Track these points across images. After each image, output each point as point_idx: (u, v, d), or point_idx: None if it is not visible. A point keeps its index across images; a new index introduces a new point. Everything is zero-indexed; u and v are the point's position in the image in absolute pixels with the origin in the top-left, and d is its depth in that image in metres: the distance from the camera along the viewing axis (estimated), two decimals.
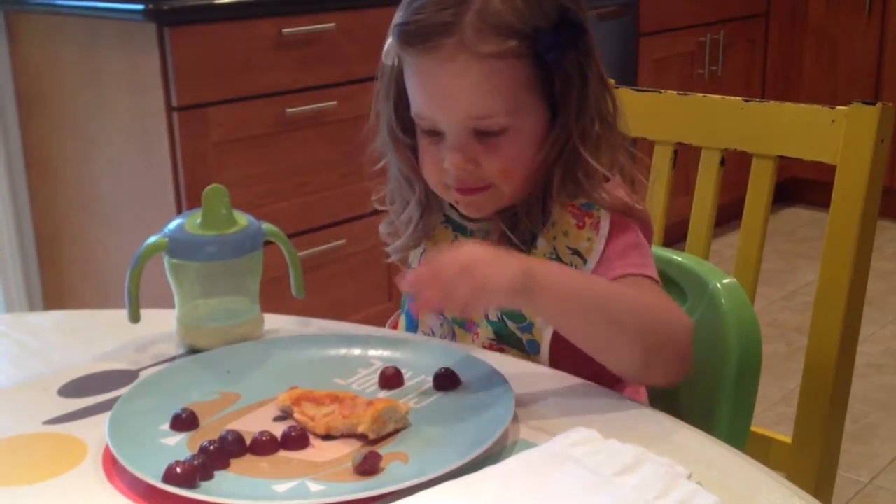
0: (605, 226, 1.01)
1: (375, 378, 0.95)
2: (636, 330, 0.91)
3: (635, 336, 0.91)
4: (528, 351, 1.04)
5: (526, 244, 1.03)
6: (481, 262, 0.87)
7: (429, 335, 1.10)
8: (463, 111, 0.98)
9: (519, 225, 1.03)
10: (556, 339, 1.02)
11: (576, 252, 1.01)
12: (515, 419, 0.86)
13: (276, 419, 0.88)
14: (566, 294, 0.90)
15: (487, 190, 1.01)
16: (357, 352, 1.00)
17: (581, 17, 0.99)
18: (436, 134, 1.01)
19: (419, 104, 1.01)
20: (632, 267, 0.99)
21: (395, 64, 1.04)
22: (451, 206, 1.08)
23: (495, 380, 0.91)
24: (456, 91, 0.98)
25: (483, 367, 0.93)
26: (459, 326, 1.08)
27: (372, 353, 0.99)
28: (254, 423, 0.87)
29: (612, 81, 1.06)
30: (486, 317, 1.05)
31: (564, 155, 1.00)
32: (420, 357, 0.97)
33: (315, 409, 0.87)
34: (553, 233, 1.02)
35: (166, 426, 0.86)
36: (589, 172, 1.00)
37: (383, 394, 0.92)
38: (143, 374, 0.99)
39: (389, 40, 1.02)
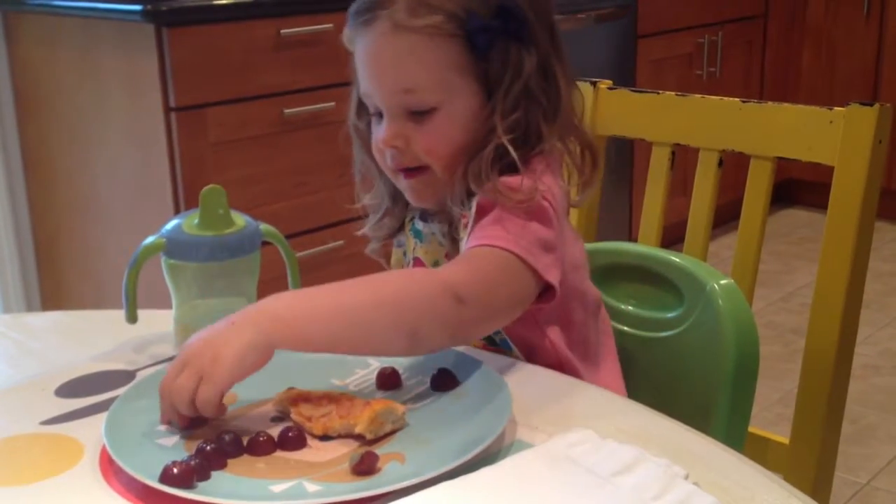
0: (471, 220, 1.00)
1: (373, 378, 0.95)
2: (390, 318, 0.89)
3: (391, 324, 0.89)
4: (506, 348, 1.04)
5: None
6: (196, 353, 0.82)
7: None
8: (390, 83, 1.01)
9: (453, 227, 1.05)
10: (513, 331, 1.03)
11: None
12: (513, 419, 0.86)
13: (274, 420, 0.88)
14: (306, 320, 0.87)
15: (422, 173, 1.03)
16: None
17: (528, 10, 1.00)
18: (380, 115, 1.04)
19: (362, 81, 1.04)
20: (478, 239, 0.97)
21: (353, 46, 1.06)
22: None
23: (492, 380, 0.90)
24: (384, 62, 1.01)
25: (480, 368, 0.93)
26: None
27: None
28: (251, 424, 0.87)
29: (607, 83, 1.06)
30: None
31: (491, 142, 1.00)
32: (417, 357, 0.97)
33: (312, 410, 0.87)
34: (461, 236, 1.03)
35: (163, 426, 0.86)
36: (495, 158, 1.00)
37: (380, 394, 0.92)
38: (140, 375, 0.99)
39: (346, 24, 1.05)
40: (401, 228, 1.13)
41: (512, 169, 1.00)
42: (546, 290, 0.99)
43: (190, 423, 0.85)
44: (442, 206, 1.06)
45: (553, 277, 0.98)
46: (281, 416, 0.89)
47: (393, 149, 1.03)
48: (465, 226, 1.02)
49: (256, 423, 0.87)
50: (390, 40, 1.00)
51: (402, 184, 1.06)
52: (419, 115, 1.01)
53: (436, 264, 1.08)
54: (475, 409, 0.87)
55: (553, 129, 1.03)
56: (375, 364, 0.97)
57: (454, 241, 1.05)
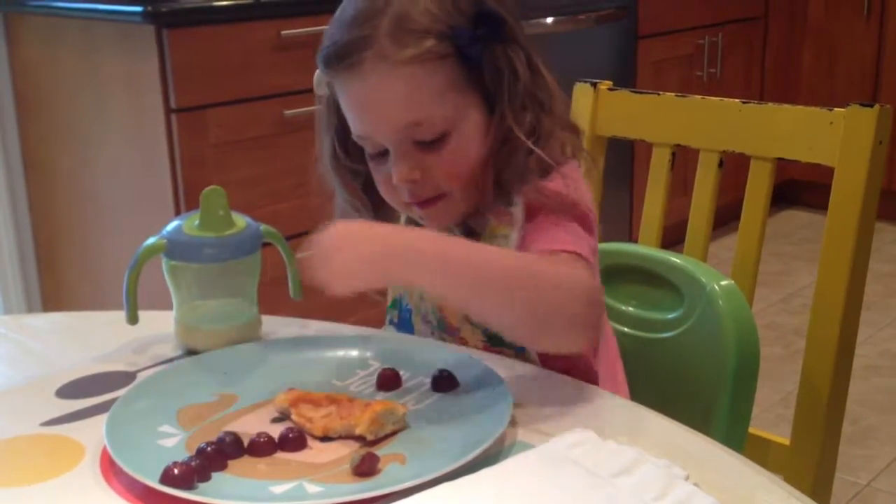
0: (518, 215, 1.00)
1: (373, 380, 0.95)
2: (523, 296, 0.88)
3: (523, 303, 0.89)
4: (517, 349, 1.04)
5: None
6: (338, 246, 0.86)
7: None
8: (394, 122, 0.98)
9: (469, 231, 1.05)
10: None
11: None
12: (513, 421, 0.86)
13: (274, 421, 0.88)
14: (439, 265, 0.87)
15: (442, 199, 1.01)
16: (355, 353, 1.00)
17: (499, 7, 1.00)
18: (382, 154, 1.01)
19: (356, 125, 1.01)
20: (546, 243, 0.96)
21: (330, 92, 1.04)
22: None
23: (493, 381, 0.91)
24: (383, 103, 0.98)
25: (481, 369, 0.93)
26: (442, 331, 1.08)
27: (370, 354, 0.99)
28: (251, 425, 0.87)
29: (608, 83, 1.06)
30: (469, 320, 1.05)
31: (507, 146, 1.00)
32: (418, 358, 0.97)
33: (313, 411, 0.87)
34: (486, 237, 1.02)
35: (164, 427, 0.86)
36: (529, 162, 1.00)
37: (381, 395, 0.92)
38: (140, 376, 0.99)
39: (317, 70, 1.03)
40: None
41: (543, 174, 1.01)
42: None
43: None
44: (458, 222, 1.05)
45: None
46: (281, 417, 0.89)
47: (410, 184, 1.00)
48: (499, 224, 1.01)
49: (257, 424, 0.87)
50: (385, 79, 0.96)
51: (417, 213, 1.04)
52: (430, 143, 0.99)
53: None
54: (475, 410, 0.87)
55: (554, 119, 1.02)
56: (376, 365, 0.97)
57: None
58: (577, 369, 1.03)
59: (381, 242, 0.87)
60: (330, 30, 1.01)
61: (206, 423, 0.87)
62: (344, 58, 0.98)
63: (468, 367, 0.94)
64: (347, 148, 1.06)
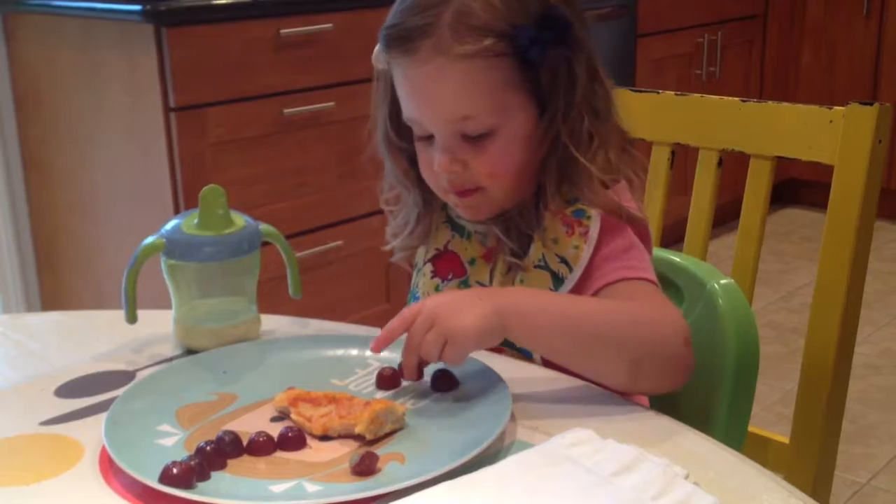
0: (594, 233, 0.99)
1: (373, 378, 0.95)
2: (618, 345, 0.90)
3: (618, 351, 0.90)
4: (517, 349, 1.04)
5: (522, 248, 1.02)
6: (444, 314, 0.88)
7: None
8: (444, 113, 0.98)
9: (514, 230, 1.03)
10: None
11: (563, 260, 1.00)
12: (512, 420, 0.86)
13: (273, 420, 0.88)
14: (540, 321, 0.90)
15: (479, 192, 1.01)
16: (354, 352, 1.00)
17: (568, 11, 0.98)
18: (428, 138, 1.01)
19: (407, 108, 1.01)
20: (626, 270, 0.98)
21: (388, 68, 1.04)
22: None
23: (492, 380, 0.90)
24: (436, 93, 0.98)
25: (480, 368, 0.93)
26: None
27: (369, 353, 0.99)
28: (251, 424, 0.87)
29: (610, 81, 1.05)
30: None
31: (556, 154, 1.00)
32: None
33: (312, 410, 0.87)
34: (544, 239, 1.01)
35: (164, 426, 0.86)
36: (581, 171, 0.99)
37: (380, 394, 0.92)
38: (140, 375, 0.99)
39: (378, 45, 1.02)
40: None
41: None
42: None
43: (420, 375, 0.91)
44: (498, 215, 1.04)
45: None
46: (281, 417, 0.89)
47: (450, 173, 1.00)
48: (584, 235, 0.99)
49: (256, 424, 0.87)
50: (440, 70, 0.96)
51: (454, 200, 1.03)
52: (475, 138, 0.99)
53: (472, 262, 1.06)
54: (475, 410, 0.87)
55: (608, 129, 1.01)
56: (375, 364, 0.97)
57: (496, 243, 1.03)
58: None
59: (490, 301, 0.89)
60: (395, 9, 1.00)
61: (205, 422, 0.87)
62: (403, 42, 0.97)
63: (467, 367, 0.93)
64: (399, 126, 1.06)
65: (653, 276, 0.99)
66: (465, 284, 1.06)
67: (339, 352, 1.00)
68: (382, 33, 1.00)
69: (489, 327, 0.88)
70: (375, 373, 0.95)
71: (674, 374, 0.93)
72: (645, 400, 1.11)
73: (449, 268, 1.07)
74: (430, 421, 0.87)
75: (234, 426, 0.86)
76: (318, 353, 0.99)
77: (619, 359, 0.91)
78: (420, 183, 1.07)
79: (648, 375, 0.92)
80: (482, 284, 1.04)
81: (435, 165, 1.00)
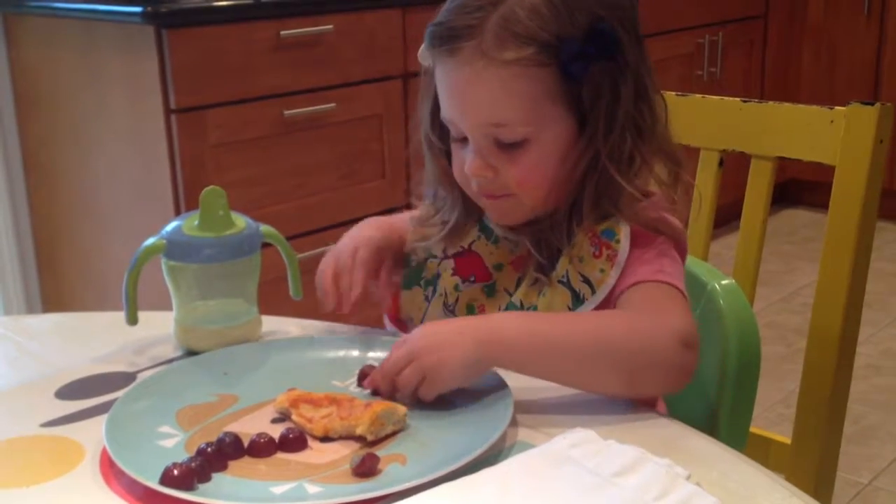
0: (622, 258, 0.97)
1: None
2: (610, 360, 0.90)
3: (611, 366, 0.90)
4: None
5: (551, 261, 1.01)
6: (425, 351, 0.88)
7: None
8: (479, 117, 0.97)
9: (544, 242, 1.02)
10: None
11: (586, 280, 0.98)
12: (514, 420, 0.86)
13: (274, 421, 0.88)
14: (526, 347, 0.90)
15: (509, 198, 1.00)
16: (355, 353, 1.00)
17: (618, 26, 0.96)
18: (464, 139, 1.00)
19: (445, 107, 1.00)
20: (652, 273, 0.96)
21: (432, 65, 1.02)
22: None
23: (494, 381, 0.90)
24: (473, 96, 0.97)
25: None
26: None
27: (370, 354, 0.99)
28: (251, 425, 0.87)
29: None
30: None
31: (595, 172, 0.98)
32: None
33: (313, 411, 0.87)
34: (571, 255, 0.99)
35: (164, 428, 0.86)
36: (620, 192, 0.97)
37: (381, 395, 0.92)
38: (140, 377, 0.99)
39: (425, 42, 1.01)
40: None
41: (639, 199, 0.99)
42: None
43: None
44: (527, 226, 1.03)
45: None
46: (282, 418, 0.88)
47: (480, 178, 0.99)
48: (611, 258, 0.97)
49: (257, 425, 0.87)
50: (479, 74, 0.95)
51: (486, 205, 1.03)
52: (509, 146, 0.97)
53: (498, 267, 1.05)
54: (476, 411, 0.87)
55: (651, 149, 0.99)
56: (377, 365, 0.97)
57: (532, 250, 1.02)
58: None
59: (473, 335, 0.89)
60: (445, 6, 0.99)
61: (205, 423, 0.87)
62: (446, 41, 0.96)
63: None
64: (439, 125, 1.04)
65: (680, 284, 0.96)
66: (490, 289, 1.04)
67: (340, 353, 1.00)
68: (428, 30, 0.99)
69: (470, 363, 0.88)
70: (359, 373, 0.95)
71: (672, 378, 0.92)
72: (661, 405, 1.10)
73: (471, 269, 1.06)
74: (431, 422, 0.87)
75: (234, 427, 0.86)
76: (318, 354, 0.99)
77: (613, 372, 0.90)
78: (458, 185, 1.06)
79: (645, 384, 0.92)
80: (509, 292, 1.03)
81: (466, 168, 0.99)
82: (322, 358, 0.99)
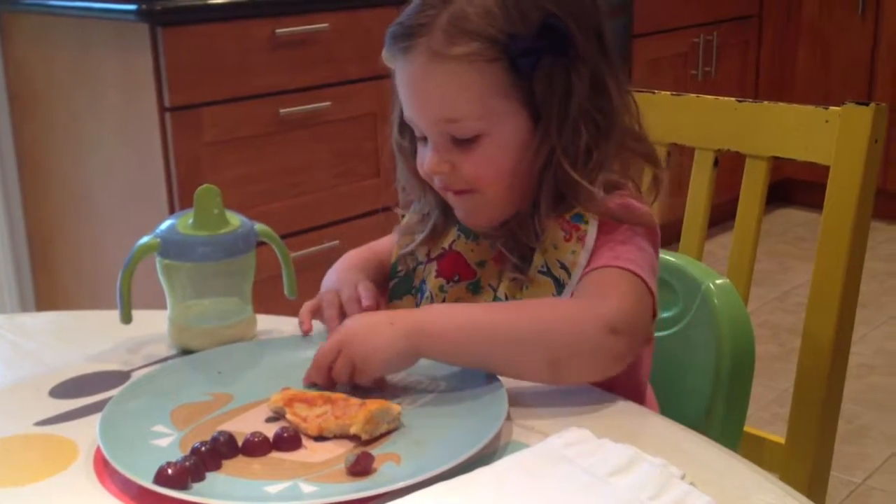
0: (590, 239, 0.98)
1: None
2: (533, 347, 0.91)
3: (534, 352, 0.91)
4: None
5: (524, 259, 1.02)
6: (354, 340, 0.91)
7: None
8: (432, 113, 0.99)
9: (515, 241, 1.03)
10: None
11: (563, 266, 0.99)
12: (508, 420, 0.86)
13: (269, 420, 0.88)
14: (452, 337, 0.92)
15: (472, 194, 1.01)
16: None
17: (571, 22, 0.97)
18: (425, 137, 1.02)
19: (404, 107, 1.02)
20: (610, 259, 0.96)
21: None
22: None
23: (488, 380, 0.90)
24: (424, 92, 0.99)
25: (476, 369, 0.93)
26: None
27: None
28: (246, 425, 0.87)
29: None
30: None
31: (552, 168, 0.99)
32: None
33: (308, 410, 0.87)
34: (545, 246, 1.01)
35: (158, 427, 0.86)
36: (576, 186, 0.98)
37: (376, 394, 0.92)
38: (134, 375, 0.99)
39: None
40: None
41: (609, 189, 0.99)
42: None
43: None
44: (498, 228, 1.04)
45: (657, 304, 0.98)
46: (276, 417, 0.88)
47: (437, 175, 1.01)
48: (581, 239, 0.98)
49: (251, 424, 0.87)
50: (429, 70, 0.97)
51: (452, 202, 1.04)
52: (464, 142, 0.99)
53: (481, 264, 1.05)
54: (471, 410, 0.87)
55: (609, 145, 1.00)
56: None
57: (505, 253, 1.03)
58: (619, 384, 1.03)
59: (402, 325, 0.91)
60: (405, 8, 1.01)
61: (200, 422, 0.87)
62: (400, 39, 0.99)
63: (472, 371, 0.93)
64: (407, 127, 1.06)
65: (641, 271, 0.96)
66: (475, 286, 1.05)
67: None
68: (387, 31, 1.01)
69: (397, 352, 0.90)
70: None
71: (599, 365, 0.92)
72: (654, 404, 1.11)
73: (454, 269, 1.06)
74: (425, 421, 0.87)
75: (229, 427, 0.86)
76: (313, 353, 0.99)
77: (540, 358, 0.91)
78: (430, 186, 1.06)
79: (570, 369, 0.92)
80: (493, 287, 1.04)
81: (424, 165, 1.01)
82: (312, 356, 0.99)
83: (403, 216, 1.13)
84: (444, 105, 0.98)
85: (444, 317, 0.94)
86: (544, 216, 1.00)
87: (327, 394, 0.89)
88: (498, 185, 1.00)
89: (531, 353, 0.91)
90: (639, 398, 1.04)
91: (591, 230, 0.99)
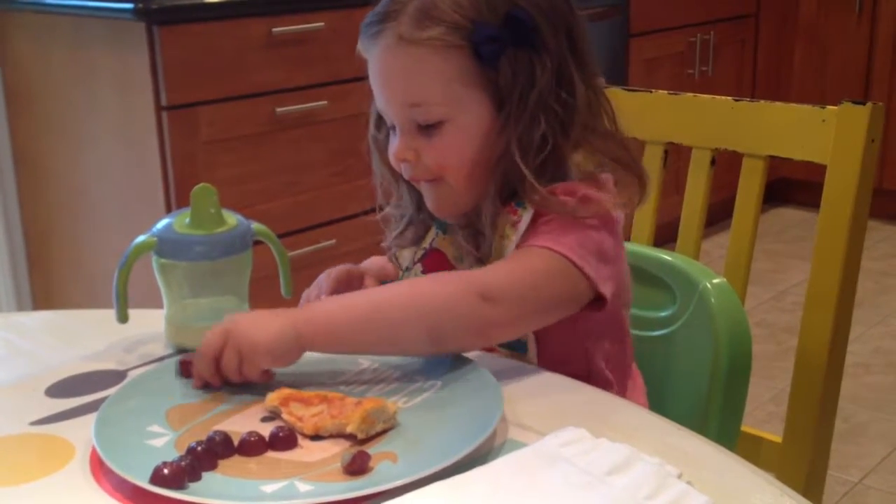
0: (523, 225, 0.99)
1: (363, 379, 0.94)
2: (412, 320, 0.92)
3: (414, 326, 0.92)
4: (518, 351, 1.03)
5: (486, 250, 1.02)
6: (241, 329, 0.90)
7: None
8: (397, 97, 1.01)
9: (476, 230, 1.04)
10: (542, 338, 1.02)
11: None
12: (504, 419, 0.86)
13: (264, 420, 0.88)
14: (337, 325, 0.92)
15: (438, 184, 1.03)
16: None
17: (537, 14, 0.98)
18: (394, 127, 1.04)
19: (376, 96, 1.04)
20: (540, 239, 0.97)
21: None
22: None
23: (483, 378, 0.90)
24: (390, 77, 1.01)
25: (471, 366, 0.93)
26: None
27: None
28: (241, 424, 0.87)
29: (602, 81, 1.05)
30: None
31: (505, 157, 1.00)
32: (408, 357, 0.97)
33: (304, 410, 0.87)
34: (498, 234, 1.02)
35: (154, 427, 0.86)
36: (521, 175, 0.99)
37: (371, 393, 0.92)
38: (131, 375, 0.99)
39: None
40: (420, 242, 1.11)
41: (561, 179, 1.00)
42: (595, 300, 0.98)
43: (225, 383, 0.92)
44: (463, 218, 1.05)
45: (607, 289, 0.97)
46: (271, 416, 0.88)
47: (405, 162, 1.02)
48: (515, 224, 1.00)
49: (247, 424, 0.87)
50: (395, 54, 0.99)
51: (424, 189, 1.05)
52: (428, 128, 1.00)
53: (460, 258, 1.07)
54: (465, 408, 0.87)
55: (568, 140, 1.00)
56: (365, 364, 0.97)
57: (477, 247, 1.03)
58: (594, 375, 1.03)
59: (288, 316, 0.91)
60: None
61: (195, 422, 0.87)
62: (371, 26, 1.01)
63: (458, 365, 0.93)
64: (379, 120, 1.08)
65: (570, 252, 0.96)
66: None
67: None
68: (362, 22, 1.03)
69: (282, 341, 0.90)
70: (367, 371, 0.95)
71: (472, 332, 0.93)
72: (643, 399, 1.11)
73: (437, 266, 1.08)
74: (421, 419, 0.87)
75: (224, 426, 0.86)
76: (306, 353, 0.99)
77: (418, 331, 0.92)
78: (406, 181, 1.08)
79: (447, 338, 0.93)
80: None
81: (389, 154, 1.03)
82: (309, 356, 0.98)
83: (382, 207, 1.14)
84: (409, 89, 1.00)
85: (328, 303, 0.97)
86: (491, 205, 1.01)
87: (323, 393, 0.89)
88: (459, 173, 1.01)
89: (411, 326, 0.92)
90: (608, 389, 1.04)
91: (526, 216, 1.00)
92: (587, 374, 1.04)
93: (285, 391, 0.89)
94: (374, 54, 1.02)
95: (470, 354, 0.97)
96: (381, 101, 1.03)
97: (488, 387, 0.89)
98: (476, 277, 0.95)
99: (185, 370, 0.94)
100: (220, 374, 0.91)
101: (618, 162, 1.03)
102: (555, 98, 0.99)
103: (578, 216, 0.98)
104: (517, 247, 0.99)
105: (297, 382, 0.92)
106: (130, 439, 0.83)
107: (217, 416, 0.88)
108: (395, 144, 1.03)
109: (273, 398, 0.88)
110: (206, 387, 0.92)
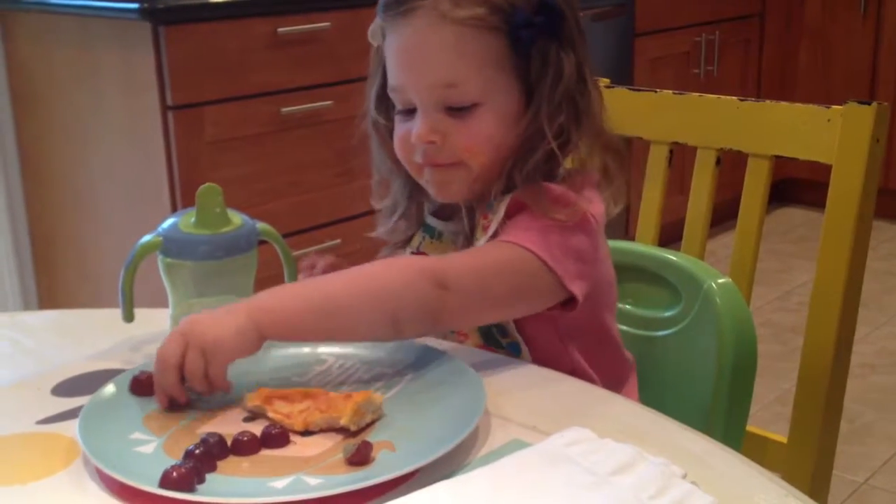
0: (492, 228, 0.99)
1: (332, 375, 0.94)
2: (376, 307, 0.91)
3: (376, 312, 0.91)
4: (511, 349, 1.03)
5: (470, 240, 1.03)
6: (201, 329, 0.87)
7: None
8: (431, 77, 0.99)
9: (475, 220, 1.03)
10: (527, 338, 1.02)
11: None
12: (509, 419, 0.86)
13: (246, 420, 0.87)
14: (292, 314, 0.90)
15: (455, 167, 1.01)
16: (306, 350, 0.98)
17: (564, 5, 0.99)
18: (409, 112, 1.02)
19: (394, 74, 1.02)
20: (512, 235, 0.97)
21: (380, 44, 1.05)
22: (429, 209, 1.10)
23: (453, 363, 0.92)
24: (426, 55, 0.99)
25: (440, 355, 0.94)
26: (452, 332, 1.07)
27: (321, 349, 0.98)
28: (224, 426, 0.85)
29: (605, 81, 1.05)
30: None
31: (531, 143, 1.00)
32: (372, 351, 0.97)
33: (289, 407, 0.86)
34: (477, 232, 1.02)
35: (136, 435, 0.84)
36: (536, 167, 0.99)
37: (347, 387, 0.92)
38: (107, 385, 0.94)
39: (375, 19, 1.03)
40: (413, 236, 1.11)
41: (549, 177, 1.00)
42: (570, 300, 0.98)
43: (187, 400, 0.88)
44: (466, 203, 1.04)
45: (577, 288, 0.97)
46: (252, 416, 0.88)
47: (428, 144, 1.00)
48: (485, 228, 1.00)
49: (230, 425, 0.86)
50: (435, 31, 0.98)
51: (429, 177, 1.03)
52: (458, 110, 0.99)
53: None
54: (445, 392, 0.88)
55: (582, 133, 1.01)
56: (330, 360, 0.97)
57: (469, 244, 1.03)
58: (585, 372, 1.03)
59: (243, 309, 0.89)
60: None
61: (177, 427, 0.86)
62: (401, 3, 0.99)
63: (423, 353, 0.95)
64: (385, 104, 1.07)
65: (539, 250, 0.95)
66: None
67: (291, 350, 0.98)
68: (381, 2, 1.02)
69: (242, 333, 0.87)
70: (334, 368, 0.95)
71: (426, 317, 0.92)
72: (635, 396, 1.11)
73: None
74: (404, 408, 0.87)
75: (207, 429, 0.85)
76: (267, 352, 0.95)
77: (376, 318, 0.91)
78: (401, 169, 1.07)
79: (404, 323, 0.92)
80: None
81: (413, 136, 1.01)
82: (273, 356, 0.97)
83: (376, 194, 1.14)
84: (447, 69, 0.98)
85: (289, 291, 0.94)
86: (498, 192, 1.00)
87: (304, 389, 0.89)
88: (485, 157, 1.00)
89: (369, 312, 0.91)
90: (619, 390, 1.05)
91: (496, 219, 0.99)
92: (571, 375, 1.04)
93: (264, 391, 0.88)
94: (404, 32, 1.00)
95: (470, 355, 0.97)
96: (406, 80, 1.01)
97: (461, 371, 0.90)
98: (431, 263, 0.94)
99: (138, 388, 0.89)
100: (182, 384, 0.87)
101: (615, 157, 1.04)
102: (577, 92, 1.00)
103: (551, 216, 0.98)
104: None
105: (267, 382, 0.92)
106: (120, 449, 0.81)
107: (195, 421, 0.87)
108: (416, 126, 1.00)
109: (253, 398, 0.88)
110: (172, 404, 0.87)
